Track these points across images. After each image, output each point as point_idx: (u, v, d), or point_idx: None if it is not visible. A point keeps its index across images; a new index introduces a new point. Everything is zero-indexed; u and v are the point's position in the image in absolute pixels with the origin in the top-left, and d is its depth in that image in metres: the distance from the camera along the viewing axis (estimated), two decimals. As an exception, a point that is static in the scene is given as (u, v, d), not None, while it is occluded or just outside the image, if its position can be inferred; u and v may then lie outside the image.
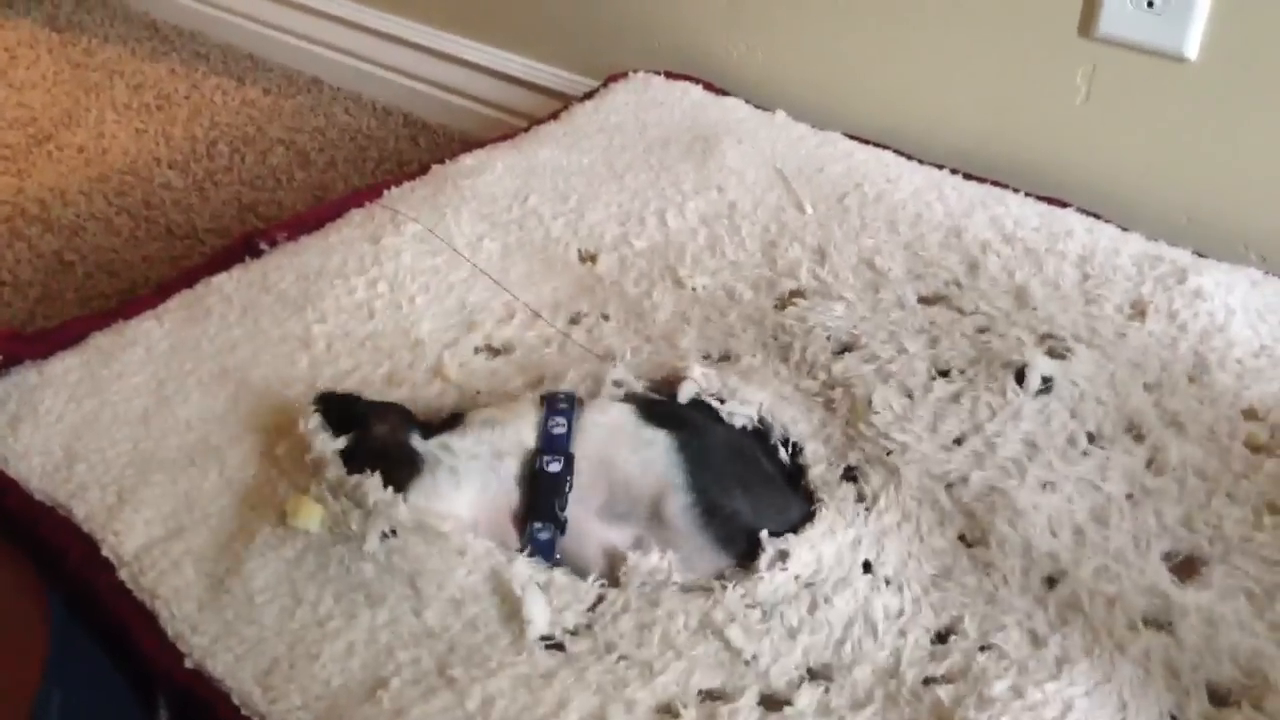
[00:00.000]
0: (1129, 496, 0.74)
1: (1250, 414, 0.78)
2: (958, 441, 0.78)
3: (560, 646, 0.67)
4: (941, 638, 0.68)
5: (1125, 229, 1.00)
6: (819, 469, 0.77)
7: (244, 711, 0.64)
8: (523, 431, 0.75)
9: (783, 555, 0.70)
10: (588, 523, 0.73)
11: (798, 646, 0.67)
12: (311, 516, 0.72)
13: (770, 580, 0.69)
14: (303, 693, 0.64)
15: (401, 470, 0.72)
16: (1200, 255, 0.96)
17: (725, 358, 0.88)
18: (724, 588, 0.69)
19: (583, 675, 0.64)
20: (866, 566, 0.71)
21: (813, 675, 0.66)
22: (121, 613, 0.70)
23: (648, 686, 0.64)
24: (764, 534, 0.71)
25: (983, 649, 0.66)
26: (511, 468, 0.74)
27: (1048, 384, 0.81)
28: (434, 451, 0.74)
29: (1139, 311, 0.88)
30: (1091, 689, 0.64)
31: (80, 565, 0.72)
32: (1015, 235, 0.98)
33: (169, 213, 1.38)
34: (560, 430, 0.75)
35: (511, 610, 0.67)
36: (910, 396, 0.81)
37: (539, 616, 0.67)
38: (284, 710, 0.64)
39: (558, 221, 1.04)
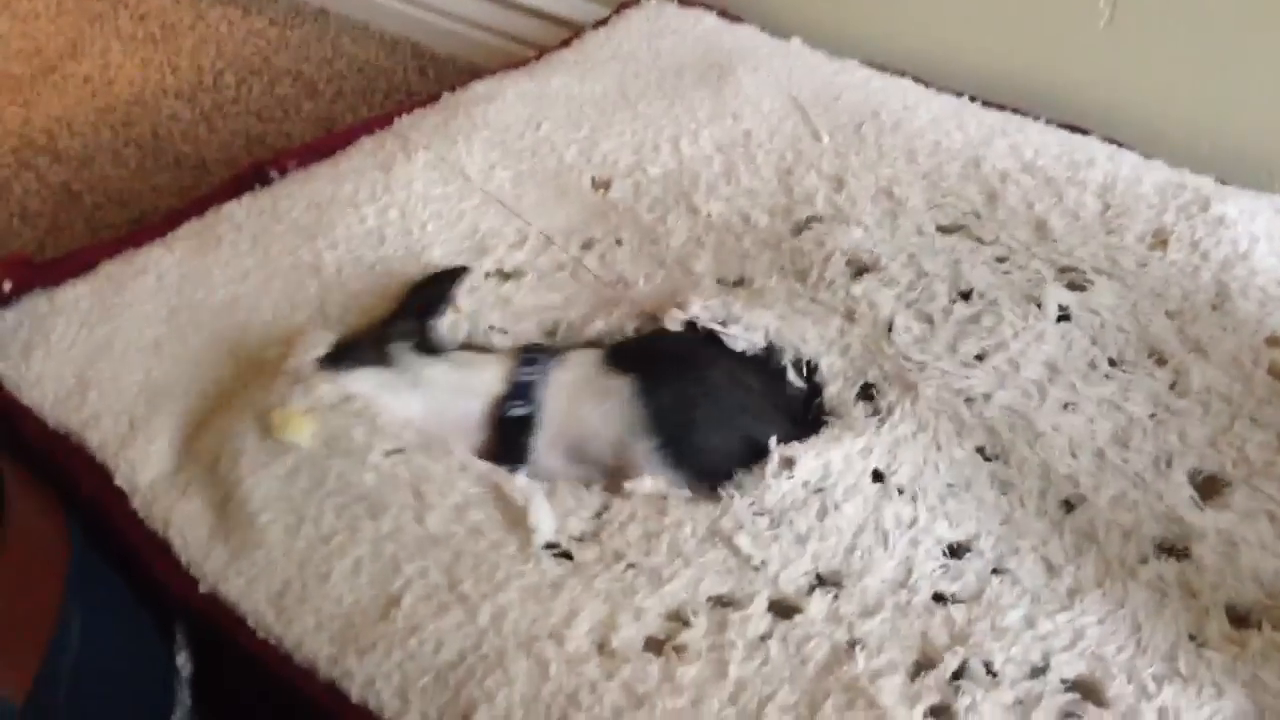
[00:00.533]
0: (1152, 416, 0.73)
1: (1274, 341, 0.77)
2: (978, 358, 0.77)
3: (568, 555, 0.67)
4: (954, 552, 0.68)
5: (1148, 156, 0.98)
6: (835, 386, 0.76)
7: (260, 635, 0.65)
8: (489, 379, 0.76)
9: (788, 462, 0.69)
10: (555, 463, 0.74)
11: (807, 553, 0.66)
12: (301, 430, 0.72)
13: (777, 487, 0.68)
14: (316, 613, 0.65)
15: (362, 354, 0.75)
16: (1223, 183, 0.94)
17: (739, 281, 0.87)
18: (731, 496, 0.68)
19: (591, 584, 0.65)
20: (877, 476, 0.71)
21: (822, 582, 0.66)
22: (136, 541, 0.70)
23: (656, 594, 0.64)
24: (771, 441, 0.70)
25: (996, 572, 0.66)
26: (475, 409, 0.75)
27: (1065, 312, 0.80)
28: (405, 358, 0.76)
29: (1160, 241, 0.86)
30: (1104, 616, 0.64)
31: (94, 493, 0.72)
32: (1035, 164, 0.96)
33: (177, 143, 1.36)
34: (528, 378, 0.75)
35: (515, 517, 0.67)
36: (930, 321, 0.80)
37: (544, 523, 0.67)
38: (300, 632, 0.64)
39: (571, 149, 1.02)
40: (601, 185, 0.99)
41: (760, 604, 0.64)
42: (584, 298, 0.86)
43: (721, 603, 0.64)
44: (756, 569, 0.65)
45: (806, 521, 0.67)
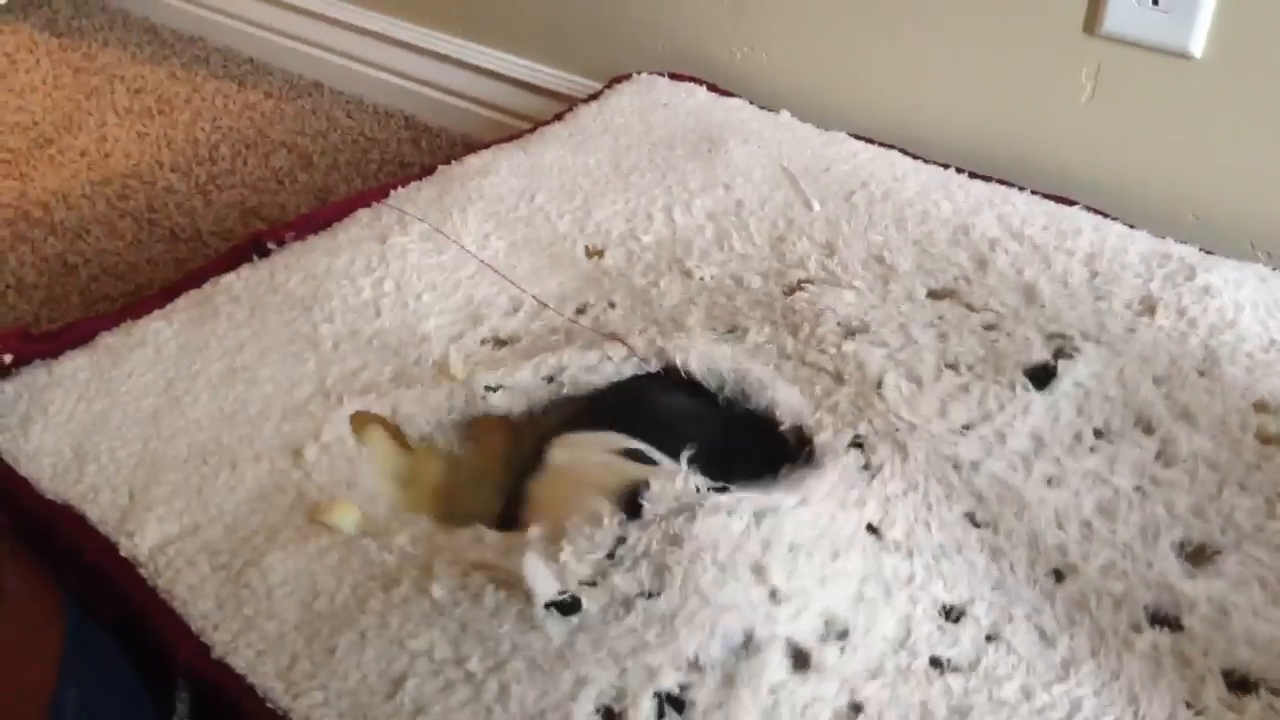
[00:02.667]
0: (1137, 489, 0.74)
1: (1261, 406, 0.78)
2: (966, 428, 0.78)
3: (575, 604, 0.65)
4: (949, 614, 0.67)
5: (1132, 226, 1.00)
6: (825, 435, 0.77)
7: (269, 705, 0.64)
8: None
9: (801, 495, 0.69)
10: None
11: (825, 592, 0.65)
12: (346, 516, 0.74)
13: (795, 516, 0.67)
14: (324, 690, 0.64)
15: None
16: (1207, 252, 0.96)
17: (731, 330, 0.89)
18: (751, 520, 0.66)
19: (599, 645, 0.63)
20: (871, 529, 0.70)
21: (832, 631, 0.65)
22: (142, 609, 0.70)
23: (668, 646, 0.62)
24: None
25: (990, 639, 0.66)
26: None
27: (1051, 376, 0.81)
28: None
29: (1148, 308, 0.88)
30: (1099, 688, 0.64)
31: (97, 562, 0.72)
32: (1023, 233, 0.98)
33: (172, 215, 1.38)
34: None
35: (516, 579, 0.66)
36: (919, 384, 0.81)
37: (540, 584, 0.65)
38: (307, 707, 0.63)
39: (565, 219, 1.04)
40: (595, 253, 1.00)
41: (777, 649, 0.62)
42: (577, 354, 0.87)
43: (745, 633, 0.63)
44: (779, 603, 0.64)
45: (821, 559, 0.66)
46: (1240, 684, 0.64)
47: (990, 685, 0.64)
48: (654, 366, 0.85)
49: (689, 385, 0.84)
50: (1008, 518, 0.73)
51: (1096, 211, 1.02)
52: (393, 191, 1.09)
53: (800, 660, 0.63)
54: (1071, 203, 1.03)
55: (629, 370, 0.85)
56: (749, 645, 0.63)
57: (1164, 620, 0.67)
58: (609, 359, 0.85)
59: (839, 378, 0.82)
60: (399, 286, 0.95)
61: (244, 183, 1.45)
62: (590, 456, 0.75)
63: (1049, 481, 0.75)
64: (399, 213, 1.04)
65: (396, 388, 0.85)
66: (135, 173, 1.46)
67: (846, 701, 0.62)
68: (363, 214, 1.05)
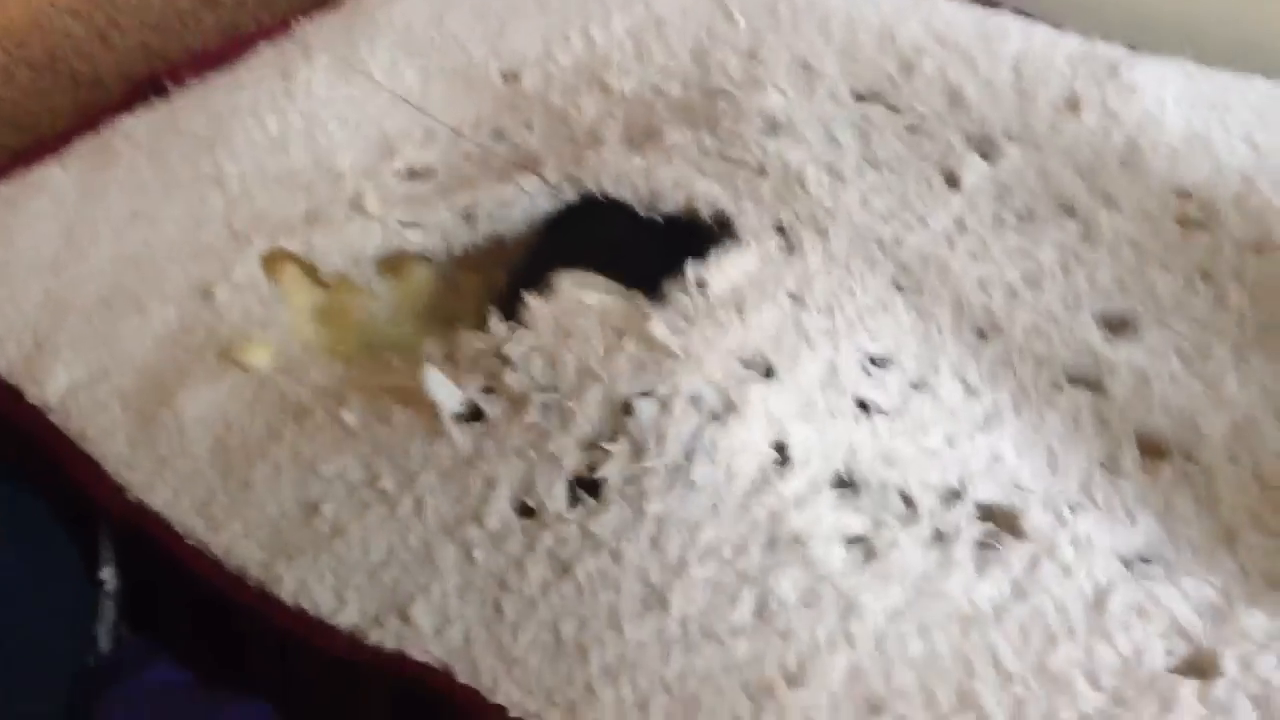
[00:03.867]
0: (1061, 264, 0.74)
1: (1182, 193, 0.77)
2: (888, 216, 0.77)
3: (478, 412, 0.65)
4: (874, 362, 0.68)
5: (1059, 27, 0.97)
6: (747, 220, 0.76)
7: (189, 542, 0.64)
8: None
9: (700, 282, 0.69)
10: None
11: (729, 337, 0.65)
12: (259, 354, 0.73)
13: (691, 302, 0.67)
14: (243, 521, 0.64)
15: None
16: (1134, 50, 0.94)
17: (651, 135, 0.86)
18: (644, 312, 0.67)
19: (504, 445, 0.64)
20: (791, 297, 0.70)
21: (749, 369, 0.65)
22: (56, 455, 0.69)
23: (569, 429, 0.63)
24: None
25: (916, 387, 0.67)
26: None
27: (975, 182, 0.80)
28: None
29: (1072, 106, 0.86)
30: (1020, 442, 0.65)
31: (5, 411, 0.71)
32: (949, 38, 0.95)
33: (72, 61, 1.30)
34: None
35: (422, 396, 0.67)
36: (841, 179, 0.80)
37: (445, 396, 0.65)
38: (227, 539, 0.63)
39: (478, 44, 1.00)
40: (511, 77, 0.97)
41: (682, 402, 0.62)
42: (494, 178, 0.85)
43: (645, 396, 0.63)
44: (675, 356, 0.64)
45: (727, 315, 0.66)
46: (1154, 450, 0.65)
47: (916, 430, 0.64)
48: (569, 195, 0.82)
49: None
50: (932, 282, 0.72)
51: (1023, 13, 0.99)
52: (295, 24, 1.04)
53: (716, 407, 0.63)
54: (997, 4, 1.00)
55: (545, 202, 0.83)
56: (653, 407, 0.63)
57: (1084, 382, 0.68)
58: (524, 192, 0.83)
59: (761, 170, 0.80)
60: (306, 121, 0.91)
61: (146, 24, 1.37)
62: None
63: (973, 255, 0.74)
64: (304, 46, 0.99)
65: (309, 226, 0.83)
66: (31, 19, 1.38)
67: (774, 442, 0.62)
68: (266, 50, 1.01)
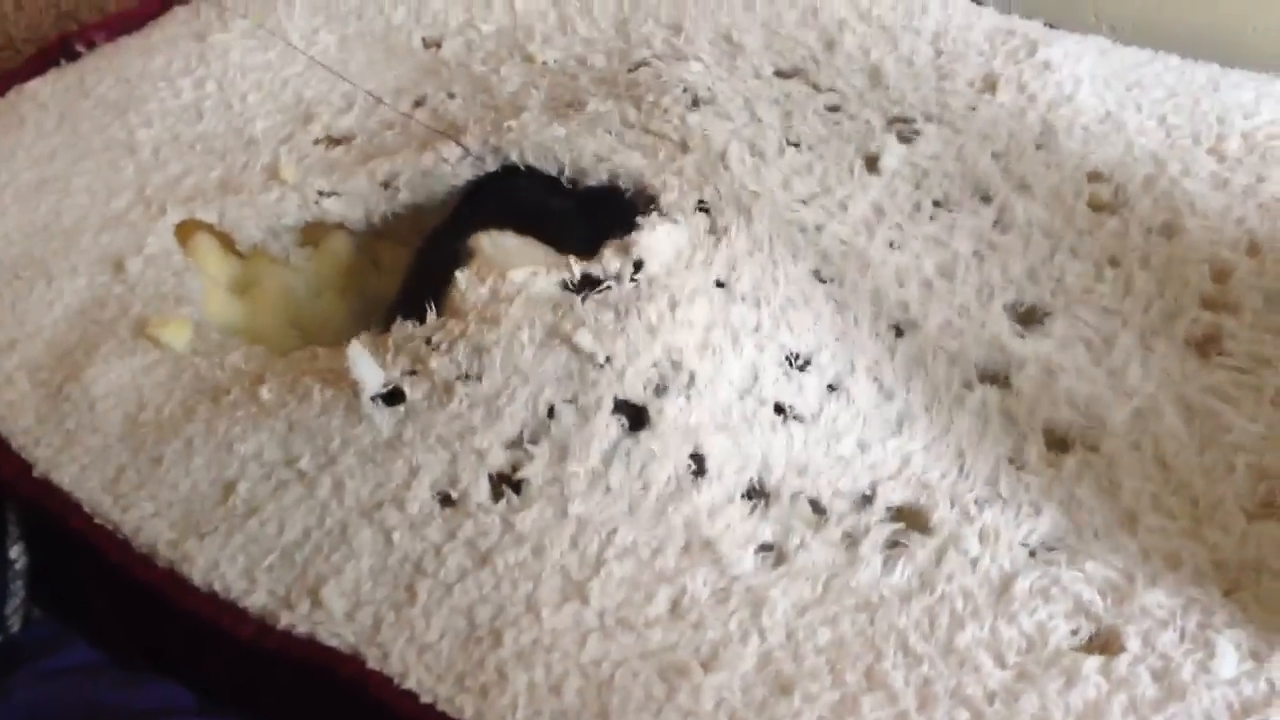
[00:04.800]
0: (975, 253, 0.75)
1: (1095, 176, 0.79)
2: (808, 199, 0.78)
3: (399, 394, 0.65)
4: (794, 362, 0.68)
5: (980, 2, 0.98)
6: (670, 196, 0.75)
7: (97, 520, 0.63)
8: None
9: (625, 249, 0.68)
10: None
11: (657, 343, 0.65)
12: (178, 333, 0.71)
13: (624, 278, 0.67)
14: (154, 500, 0.63)
15: None
16: (1051, 27, 0.95)
17: (573, 104, 0.86)
18: (572, 293, 0.66)
19: (427, 433, 0.63)
20: (719, 284, 0.70)
21: (676, 373, 0.65)
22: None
23: (494, 427, 0.63)
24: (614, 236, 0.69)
25: (832, 389, 0.67)
26: None
27: (891, 166, 0.81)
28: None
29: (989, 85, 0.87)
30: (930, 443, 0.66)
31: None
32: (871, 13, 0.96)
33: (-22, 22, 1.26)
34: None
35: (341, 373, 0.66)
36: (763, 158, 0.80)
37: (367, 375, 0.64)
38: (138, 518, 0.62)
39: (399, 10, 0.98)
40: (432, 44, 0.96)
41: (604, 412, 0.63)
42: (414, 147, 0.84)
43: (569, 403, 0.63)
44: (600, 366, 0.64)
45: (658, 311, 0.66)
46: (1059, 443, 0.66)
47: (829, 439, 0.65)
48: (491, 164, 0.82)
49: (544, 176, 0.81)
50: (852, 274, 0.73)
51: (945, -12, 1.00)
52: (211, -14, 1.01)
53: (636, 419, 0.64)
54: (920, -21, 1.01)
55: (466, 171, 0.82)
56: (576, 414, 0.63)
57: (994, 378, 0.69)
58: (445, 161, 0.82)
59: (684, 146, 0.80)
60: (221, 87, 0.90)
61: (55, -16, 1.33)
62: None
63: (890, 244, 0.75)
64: (218, 8, 0.97)
65: (224, 194, 0.81)
66: (-67, -24, 1.33)
67: (690, 452, 0.63)
68: (180, 11, 0.98)
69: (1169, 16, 1.01)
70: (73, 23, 1.26)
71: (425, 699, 0.54)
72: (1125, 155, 0.80)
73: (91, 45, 0.95)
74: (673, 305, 0.66)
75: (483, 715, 0.54)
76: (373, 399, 0.64)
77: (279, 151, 0.84)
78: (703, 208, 0.75)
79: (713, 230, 0.74)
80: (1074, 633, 0.57)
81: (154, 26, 0.96)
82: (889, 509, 0.63)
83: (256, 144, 0.85)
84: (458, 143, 0.82)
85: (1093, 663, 0.55)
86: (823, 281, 0.73)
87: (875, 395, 0.67)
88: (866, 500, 0.63)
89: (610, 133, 0.81)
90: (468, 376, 0.64)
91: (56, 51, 0.95)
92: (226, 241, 0.80)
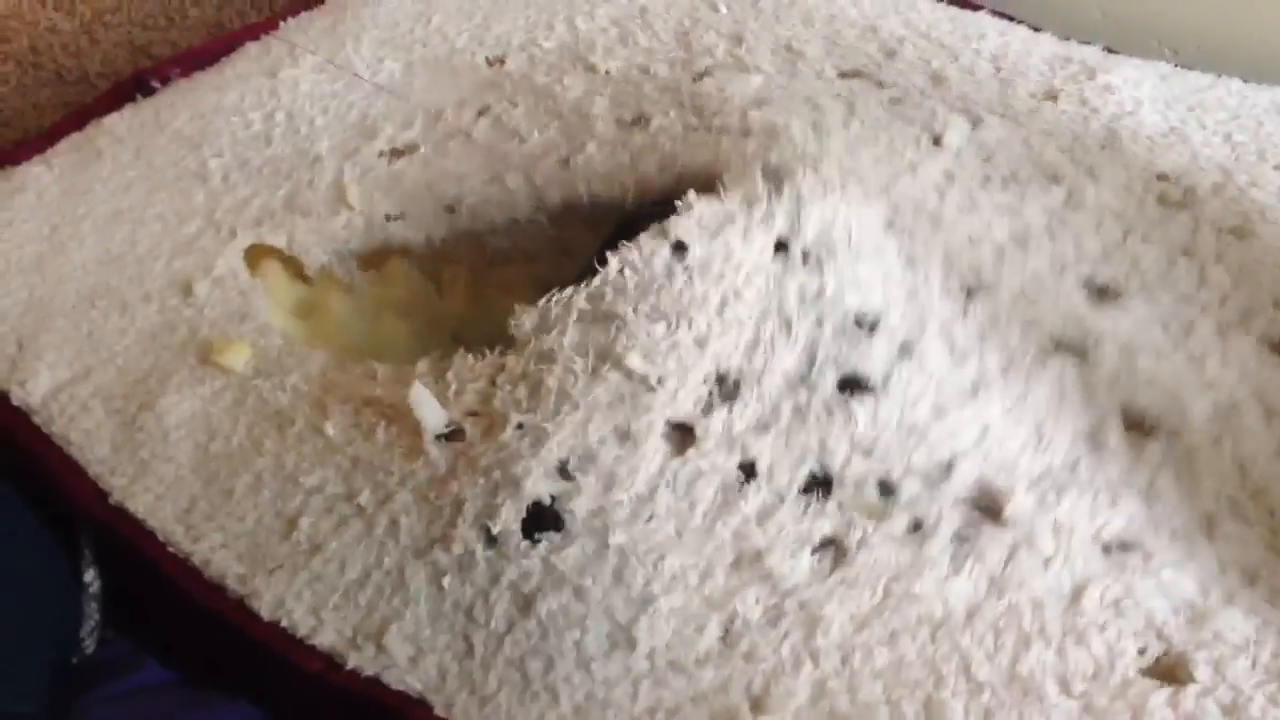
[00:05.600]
0: (1047, 227, 0.73)
1: (1163, 177, 0.77)
2: (875, 163, 0.76)
3: (461, 433, 0.65)
4: (861, 324, 0.66)
5: (1037, 29, 0.97)
6: (731, 174, 0.73)
7: (169, 549, 0.64)
8: None
9: (679, 247, 0.67)
10: None
11: (706, 356, 0.64)
12: (238, 355, 0.72)
13: (671, 284, 0.65)
14: (223, 531, 0.64)
15: None
16: (1112, 52, 0.94)
17: (637, 120, 0.86)
18: (622, 311, 0.65)
19: (476, 464, 0.63)
20: (780, 246, 0.68)
21: (721, 386, 0.64)
22: (40, 457, 0.69)
23: (538, 455, 0.62)
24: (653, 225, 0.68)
25: (903, 352, 0.65)
26: None
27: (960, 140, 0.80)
28: None
29: (1051, 96, 0.86)
30: (1006, 412, 0.64)
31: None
32: (930, 34, 0.96)
33: (57, 57, 1.31)
34: None
35: (406, 412, 0.66)
36: (826, 132, 0.78)
37: (429, 415, 0.64)
38: (207, 549, 0.64)
39: (463, 36, 1.00)
40: (496, 62, 0.97)
41: (655, 438, 0.61)
42: (478, 164, 0.84)
43: (618, 436, 0.62)
44: (653, 389, 0.63)
45: (706, 318, 0.64)
46: (1139, 425, 0.64)
47: (902, 407, 0.63)
48: (554, 196, 0.82)
49: None
50: (924, 228, 0.71)
51: (1002, 15, 0.99)
52: (282, 23, 1.04)
53: (682, 438, 0.63)
54: (977, 7, 1.00)
55: (526, 200, 0.83)
56: (625, 442, 0.62)
57: (1071, 349, 0.67)
58: (509, 189, 0.83)
59: (745, 132, 0.79)
60: (291, 117, 0.91)
61: (132, 20, 1.37)
62: None
63: (962, 209, 0.73)
64: (289, 45, 0.99)
65: (290, 215, 0.83)
66: (15, 12, 1.38)
67: (736, 464, 0.62)
68: (251, 48, 1.01)
69: (1232, 41, 0.99)
70: (145, 58, 1.31)
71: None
72: (1191, 164, 0.78)
73: (166, 80, 0.97)
74: (722, 307, 0.65)
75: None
76: (436, 438, 0.64)
77: (343, 167, 0.86)
78: (765, 171, 0.73)
79: (775, 183, 0.72)
80: (1141, 653, 0.55)
81: (227, 62, 0.99)
82: (966, 486, 0.61)
83: (321, 161, 0.87)
84: (523, 173, 0.83)
85: (1160, 696, 0.53)
86: (893, 229, 0.71)
87: (948, 358, 0.66)
88: (944, 473, 0.61)
89: (672, 138, 0.81)
90: (523, 409, 0.64)
91: (131, 87, 0.97)
92: (293, 264, 0.82)
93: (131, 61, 1.30)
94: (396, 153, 0.87)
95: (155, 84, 0.97)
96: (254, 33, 1.03)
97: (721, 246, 0.68)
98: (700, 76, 0.90)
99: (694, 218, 0.69)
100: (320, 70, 0.96)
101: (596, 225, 0.82)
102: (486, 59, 0.97)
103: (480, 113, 0.90)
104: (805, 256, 0.68)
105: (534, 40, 0.98)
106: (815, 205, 0.69)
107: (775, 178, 0.72)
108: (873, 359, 0.65)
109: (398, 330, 0.82)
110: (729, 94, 0.86)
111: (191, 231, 0.82)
